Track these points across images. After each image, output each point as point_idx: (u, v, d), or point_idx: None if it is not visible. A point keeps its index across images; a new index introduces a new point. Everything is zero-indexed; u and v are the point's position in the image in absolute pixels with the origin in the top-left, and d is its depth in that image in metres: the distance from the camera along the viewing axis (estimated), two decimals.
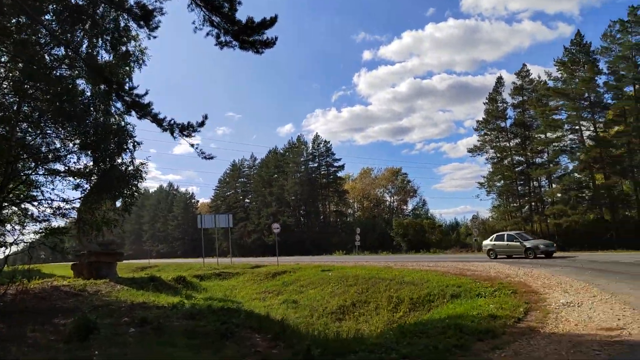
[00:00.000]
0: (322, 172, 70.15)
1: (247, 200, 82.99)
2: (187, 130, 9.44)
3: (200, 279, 24.18)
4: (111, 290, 17.51)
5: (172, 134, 9.53)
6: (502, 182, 44.27)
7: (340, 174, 71.05)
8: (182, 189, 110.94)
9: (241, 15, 8.60)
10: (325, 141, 70.00)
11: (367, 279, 17.34)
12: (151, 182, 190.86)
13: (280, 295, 18.90)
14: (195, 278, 22.96)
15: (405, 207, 72.81)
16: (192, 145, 9.88)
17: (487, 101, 45.20)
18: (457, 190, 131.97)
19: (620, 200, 37.69)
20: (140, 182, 14.50)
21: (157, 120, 9.54)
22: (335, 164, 69.32)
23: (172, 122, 9.50)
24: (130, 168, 13.91)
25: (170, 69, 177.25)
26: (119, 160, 14.29)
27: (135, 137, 13.82)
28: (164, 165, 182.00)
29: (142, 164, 14.08)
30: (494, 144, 45.25)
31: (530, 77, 43.66)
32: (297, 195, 69.02)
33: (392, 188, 73.84)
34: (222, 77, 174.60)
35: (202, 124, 9.39)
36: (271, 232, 69.85)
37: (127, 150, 13.69)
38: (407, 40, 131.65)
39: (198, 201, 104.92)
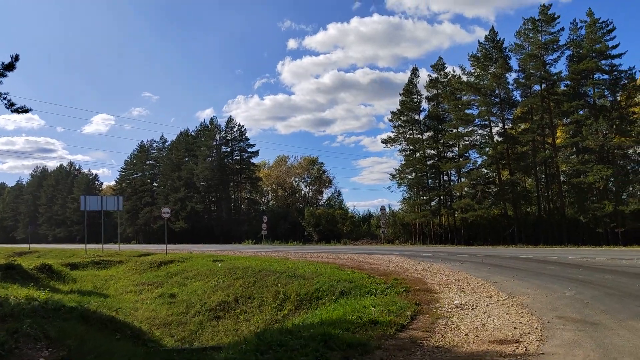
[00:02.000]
0: (235, 158, 67.46)
1: (155, 184, 78.41)
2: None
3: (75, 267, 21.32)
4: None
5: None
6: (413, 174, 44.26)
7: (254, 160, 68.78)
8: (85, 170, 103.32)
9: None
10: (239, 125, 67.35)
11: (257, 272, 15.59)
12: (54, 161, 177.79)
13: (160, 287, 16.69)
14: (66, 267, 20.12)
15: (320, 198, 72.03)
16: None
17: (402, 92, 44.89)
18: (375, 183, 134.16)
19: (522, 196, 38.76)
20: None
21: None
22: (250, 150, 66.93)
23: None
24: None
25: (79, 42, 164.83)
26: None
27: None
28: (71, 144, 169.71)
29: None
30: (407, 136, 45.12)
31: (446, 71, 43.88)
32: (207, 181, 65.90)
33: (308, 177, 72.73)
34: (138, 56, 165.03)
35: (10, 67, 7.09)
36: (178, 218, 66.57)
37: None
38: (333, 32, 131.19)
39: (102, 183, 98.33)
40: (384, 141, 45.91)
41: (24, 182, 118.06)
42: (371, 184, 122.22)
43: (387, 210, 48.92)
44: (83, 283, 17.77)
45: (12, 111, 7.99)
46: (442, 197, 43.95)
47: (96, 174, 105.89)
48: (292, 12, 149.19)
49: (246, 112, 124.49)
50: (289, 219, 58.28)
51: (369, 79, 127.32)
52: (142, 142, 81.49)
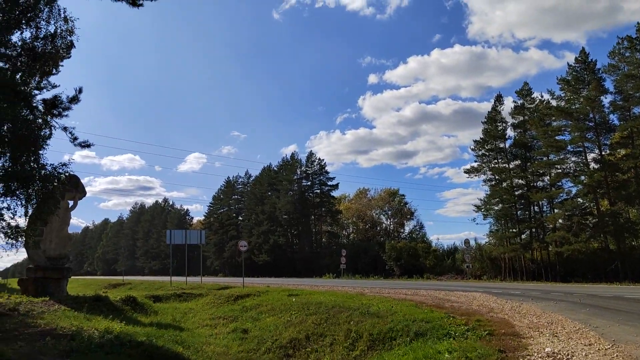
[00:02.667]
0: (316, 191, 67.92)
1: (240, 218, 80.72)
2: (57, 108, 7.36)
3: (158, 299, 21.91)
4: (45, 310, 15.35)
5: (32, 112, 7.44)
6: (500, 205, 41.81)
7: (334, 193, 68.85)
8: (177, 206, 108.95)
9: None
10: (319, 159, 67.99)
11: (330, 308, 15.01)
12: (152, 198, 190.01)
13: (234, 322, 16.59)
14: (149, 299, 20.66)
15: (401, 230, 70.28)
16: (64, 129, 7.79)
17: (485, 120, 43.06)
18: (461, 215, 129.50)
19: (626, 228, 35.10)
20: (56, 184, 12.36)
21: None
22: (329, 183, 67.13)
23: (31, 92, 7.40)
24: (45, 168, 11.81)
25: (174, 86, 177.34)
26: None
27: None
28: (168, 181, 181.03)
29: (62, 165, 11.95)
30: (492, 165, 42.96)
31: (532, 97, 41.60)
32: (288, 214, 66.70)
33: (389, 210, 71.50)
34: (226, 97, 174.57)
35: (75, 99, 7.32)
36: (261, 251, 67.63)
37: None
38: (413, 65, 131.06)
39: (192, 218, 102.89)
40: (467, 171, 44.08)
41: (125, 218, 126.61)
42: (456, 216, 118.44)
43: (473, 243, 46.57)
44: (164, 315, 18.08)
45: (75, 145, 8.29)
46: (533, 230, 41.00)
47: (187, 209, 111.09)
48: (372, 48, 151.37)
49: (328, 147, 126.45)
50: (369, 253, 57.20)
51: (452, 109, 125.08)
52: (228, 177, 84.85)
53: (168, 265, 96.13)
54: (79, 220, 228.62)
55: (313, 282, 33.84)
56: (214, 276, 73.71)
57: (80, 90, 7.45)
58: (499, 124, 42.50)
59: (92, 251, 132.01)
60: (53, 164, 11.72)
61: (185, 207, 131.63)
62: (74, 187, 20.60)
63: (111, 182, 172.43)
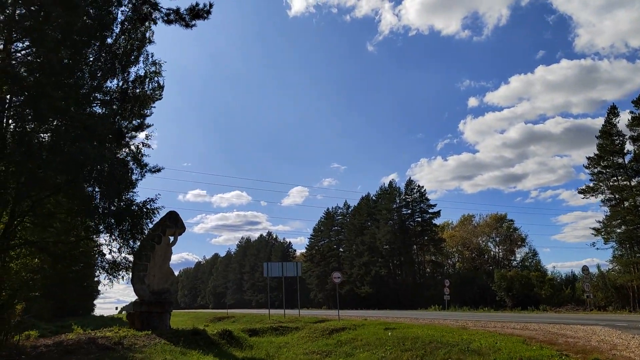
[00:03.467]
0: (417, 220, 65.93)
1: (341, 250, 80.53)
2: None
3: (255, 333, 21.92)
4: (147, 344, 15.94)
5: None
6: (623, 227, 37.42)
7: (437, 221, 66.33)
8: (281, 239, 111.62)
9: None
10: (418, 186, 66.16)
11: (427, 343, 13.91)
12: (259, 232, 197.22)
13: (327, 357, 15.95)
14: (245, 333, 20.71)
15: (512, 258, 65.65)
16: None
17: (599, 135, 39.27)
18: (581, 241, 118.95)
19: None
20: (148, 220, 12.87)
21: None
22: (430, 211, 64.86)
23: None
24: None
25: (274, 122, 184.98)
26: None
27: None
28: (273, 215, 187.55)
29: (150, 200, 12.46)
30: (611, 183, 38.82)
31: None
32: (389, 244, 65.24)
33: (497, 236, 67.36)
34: (325, 130, 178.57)
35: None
36: (363, 283, 66.53)
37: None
38: (516, 85, 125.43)
39: (295, 250, 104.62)
40: (582, 191, 40.17)
41: (232, 253, 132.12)
42: (576, 242, 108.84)
43: (595, 270, 42.01)
44: (258, 350, 17.94)
45: (146, 171, 8.46)
46: None
47: (290, 242, 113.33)
48: (471, 71, 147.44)
49: (430, 174, 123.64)
50: (477, 283, 53.97)
51: (562, 127, 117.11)
52: (328, 209, 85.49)
53: (273, 299, 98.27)
54: (193, 255, 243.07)
55: (415, 314, 32.31)
56: (318, 309, 73.85)
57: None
58: (615, 138, 38.50)
59: (204, 285, 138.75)
60: (141, 200, 12.28)
61: (288, 239, 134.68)
62: (173, 223, 21.49)
63: (221, 218, 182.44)
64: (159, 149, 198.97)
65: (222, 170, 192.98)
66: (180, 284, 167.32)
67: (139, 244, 13.14)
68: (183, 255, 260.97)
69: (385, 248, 66.19)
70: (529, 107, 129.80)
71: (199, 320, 40.80)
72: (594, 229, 39.33)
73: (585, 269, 35.54)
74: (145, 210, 12.26)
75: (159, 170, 11.21)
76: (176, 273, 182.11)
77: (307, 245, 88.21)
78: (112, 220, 11.22)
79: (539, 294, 44.70)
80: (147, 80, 13.43)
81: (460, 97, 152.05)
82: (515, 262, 63.78)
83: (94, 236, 12.10)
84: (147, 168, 12.26)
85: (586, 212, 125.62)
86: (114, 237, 12.31)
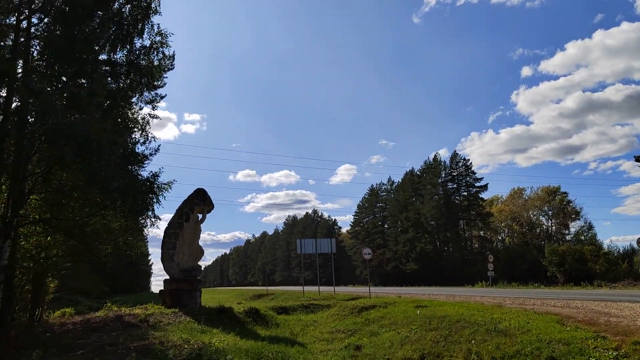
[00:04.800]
0: (463, 194, 63.83)
1: (385, 226, 79.48)
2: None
3: (284, 311, 21.59)
4: (172, 322, 15.91)
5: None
6: None
7: (484, 195, 64.04)
8: (326, 216, 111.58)
9: None
10: (464, 159, 63.90)
11: (454, 322, 13.00)
12: (309, 211, 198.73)
13: (352, 336, 15.33)
14: (274, 311, 20.39)
15: (565, 232, 62.66)
16: None
17: None
18: None
19: None
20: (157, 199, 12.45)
21: None
22: (477, 184, 62.60)
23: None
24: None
25: (322, 101, 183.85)
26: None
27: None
28: (322, 194, 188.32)
29: (154, 175, 12.01)
30: None
31: None
32: (435, 220, 63.61)
33: (549, 210, 64.38)
34: (373, 106, 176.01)
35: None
36: (409, 259, 65.38)
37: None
38: (572, 52, 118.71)
39: (340, 227, 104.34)
40: (638, 159, 37.20)
41: (280, 231, 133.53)
42: (638, 214, 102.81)
43: None
44: (284, 328, 17.57)
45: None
46: None
47: (335, 220, 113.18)
48: (524, 39, 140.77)
49: (481, 147, 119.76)
50: (526, 258, 51.81)
51: (623, 95, 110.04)
52: (372, 186, 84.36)
53: (320, 275, 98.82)
54: (245, 234, 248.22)
55: (457, 291, 31.15)
56: (363, 285, 73.37)
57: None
58: None
59: (254, 263, 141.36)
60: (146, 176, 11.88)
61: (333, 217, 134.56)
62: (201, 201, 21.30)
63: (271, 197, 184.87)
64: (208, 131, 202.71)
65: (271, 149, 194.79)
66: (231, 262, 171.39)
67: (149, 221, 12.72)
68: (235, 234, 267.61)
69: (430, 224, 64.68)
70: (587, 74, 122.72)
71: (241, 297, 41.19)
72: None
73: (639, 241, 32.94)
74: (150, 185, 11.79)
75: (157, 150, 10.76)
76: (227, 251, 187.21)
77: (352, 222, 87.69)
78: (117, 196, 10.81)
79: (593, 268, 42.25)
80: (152, 50, 12.92)
81: (512, 67, 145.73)
82: (569, 236, 60.84)
83: (102, 212, 11.78)
84: (154, 142, 11.75)
85: None
86: (121, 214, 11.96)
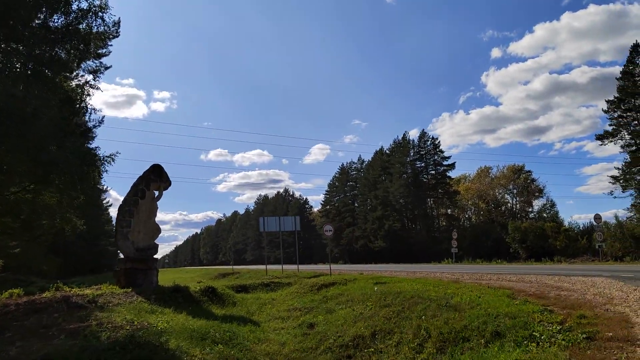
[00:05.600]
0: (431, 172, 64.27)
1: (356, 205, 79.67)
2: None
3: (244, 289, 21.20)
4: (121, 302, 15.19)
5: None
6: None
7: (451, 173, 64.62)
8: (297, 194, 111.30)
9: None
10: (432, 138, 64.24)
11: (408, 298, 12.84)
12: (276, 190, 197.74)
13: (308, 313, 15.07)
14: (231, 289, 19.97)
15: (529, 210, 63.89)
16: None
17: (620, 76, 36.59)
18: (605, 192, 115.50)
19: None
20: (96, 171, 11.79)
21: None
22: (445, 163, 63.08)
23: None
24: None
25: (294, 80, 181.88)
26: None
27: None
28: (295, 172, 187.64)
29: (89, 150, 11.34)
30: (632, 128, 36.43)
31: None
32: (403, 198, 63.96)
33: (514, 188, 65.43)
34: (345, 86, 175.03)
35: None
36: (377, 237, 65.79)
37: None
38: (540, 34, 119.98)
39: (312, 207, 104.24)
40: (600, 137, 37.90)
41: (251, 210, 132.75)
42: (599, 193, 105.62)
43: (613, 220, 40.14)
44: (240, 307, 17.19)
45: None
46: None
47: (306, 199, 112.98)
48: (493, 20, 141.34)
49: (452, 128, 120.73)
50: (491, 235, 52.68)
51: (589, 77, 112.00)
52: (342, 164, 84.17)
53: (291, 254, 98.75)
54: (217, 214, 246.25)
55: (421, 267, 31.32)
56: (334, 263, 73.66)
57: None
58: (637, 79, 35.85)
59: (225, 242, 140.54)
60: (82, 151, 11.18)
61: (304, 196, 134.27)
62: (157, 177, 20.45)
63: (243, 177, 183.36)
64: (179, 109, 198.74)
65: (243, 129, 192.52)
66: (202, 241, 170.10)
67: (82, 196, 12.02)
68: (207, 214, 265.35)
69: (399, 202, 65.03)
70: (555, 56, 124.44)
71: (207, 276, 40.65)
72: (612, 176, 37.35)
73: (597, 217, 33.59)
74: (90, 158, 11.12)
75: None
76: (198, 231, 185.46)
77: (323, 201, 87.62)
78: (49, 169, 10.12)
79: (553, 245, 43.23)
80: (91, 15, 12.07)
81: (483, 49, 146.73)
82: (532, 214, 62.10)
83: (33, 186, 11.04)
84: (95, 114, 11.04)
85: (612, 162, 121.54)
86: (56, 188, 11.25)
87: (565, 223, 50.37)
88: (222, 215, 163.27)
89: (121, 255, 19.59)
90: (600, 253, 34.05)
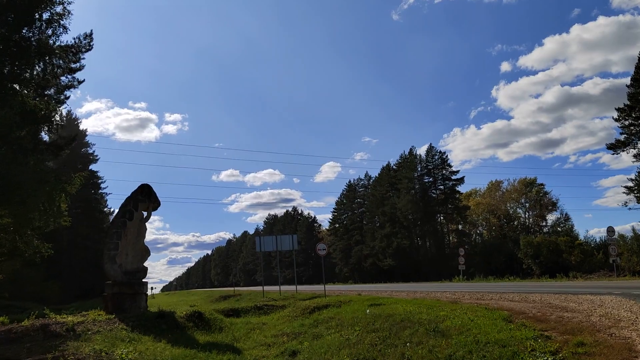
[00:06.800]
0: (439, 187, 62.98)
1: (364, 222, 78.38)
2: None
3: (236, 313, 20.24)
4: (101, 330, 14.37)
5: None
6: None
7: (461, 188, 63.24)
8: (306, 213, 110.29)
9: None
10: (440, 152, 63.08)
11: (398, 322, 11.82)
12: (289, 209, 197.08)
13: (295, 339, 14.05)
14: (220, 313, 18.99)
15: (542, 224, 62.13)
16: None
17: (631, 82, 35.40)
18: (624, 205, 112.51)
19: None
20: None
21: None
22: (453, 177, 61.79)
23: None
24: None
25: (304, 99, 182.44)
26: None
27: None
28: (306, 191, 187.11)
29: None
30: None
31: None
32: (412, 214, 62.63)
33: (526, 202, 63.83)
34: (355, 104, 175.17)
35: None
36: (385, 255, 64.32)
37: None
38: (550, 46, 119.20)
39: (320, 225, 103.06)
40: (611, 147, 36.54)
41: (261, 230, 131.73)
42: (617, 206, 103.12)
43: (630, 233, 38.52)
44: (226, 333, 16.20)
45: None
46: None
47: (314, 217, 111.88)
48: (502, 35, 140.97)
49: (463, 143, 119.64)
50: (503, 251, 51.09)
51: (601, 88, 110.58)
52: (350, 181, 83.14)
53: (300, 274, 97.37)
54: (230, 234, 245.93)
55: (428, 286, 30.10)
56: (343, 283, 72.23)
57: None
58: None
59: (235, 263, 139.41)
60: None
61: (313, 214, 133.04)
62: (146, 197, 19.74)
63: (255, 197, 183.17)
64: (190, 131, 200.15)
65: (254, 149, 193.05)
66: (213, 263, 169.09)
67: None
68: (220, 235, 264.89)
69: (407, 218, 63.68)
70: (565, 68, 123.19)
71: (209, 298, 39.68)
72: (626, 187, 35.85)
73: (610, 230, 32.07)
74: (46, 177, 10.36)
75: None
76: (209, 252, 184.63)
77: (330, 219, 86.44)
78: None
79: (568, 260, 41.62)
80: (52, 24, 11.48)
81: (492, 63, 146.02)
82: (546, 228, 60.36)
83: None
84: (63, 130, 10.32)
85: (629, 174, 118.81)
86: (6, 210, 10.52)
87: (581, 237, 48.74)
88: (232, 235, 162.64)
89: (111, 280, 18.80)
90: (615, 268, 32.48)
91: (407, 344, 9.65)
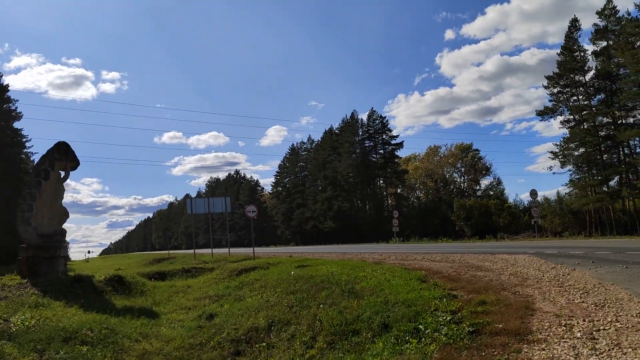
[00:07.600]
0: (379, 152, 63.62)
1: (306, 185, 78.48)
2: None
3: (162, 276, 19.65)
4: (10, 296, 13.51)
5: None
6: (581, 150, 35.46)
7: (400, 153, 64.17)
8: (248, 176, 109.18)
9: None
10: (380, 116, 63.40)
11: (318, 283, 11.71)
12: (228, 172, 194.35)
13: (217, 302, 13.75)
14: (144, 277, 18.37)
15: (477, 188, 64.38)
16: None
17: (559, 52, 36.45)
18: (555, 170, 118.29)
19: None
20: None
21: None
22: (393, 142, 62.52)
23: None
24: None
25: (250, 62, 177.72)
26: None
27: None
28: (252, 154, 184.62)
29: None
30: (570, 103, 36.47)
31: (618, 16, 34.35)
32: (352, 178, 63.14)
33: (462, 167, 65.75)
34: (301, 68, 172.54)
35: None
36: (326, 218, 64.90)
37: None
38: (492, 16, 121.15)
39: (263, 188, 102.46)
40: (540, 113, 37.78)
41: (203, 192, 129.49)
42: (546, 171, 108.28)
43: (554, 196, 40.56)
44: (147, 297, 15.67)
45: None
46: (622, 175, 34.43)
47: (257, 180, 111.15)
48: (447, 2, 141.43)
49: (407, 109, 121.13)
50: (438, 214, 52.65)
51: (538, 59, 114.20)
52: (292, 145, 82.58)
53: (243, 237, 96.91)
54: (173, 197, 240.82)
55: (362, 248, 30.51)
56: (285, 245, 72.52)
57: None
58: (576, 54, 35.74)
59: (177, 226, 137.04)
60: None
61: (255, 177, 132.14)
62: (63, 156, 18.46)
63: (199, 159, 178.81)
64: (130, 90, 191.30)
65: (198, 110, 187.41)
66: (154, 226, 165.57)
67: None
68: (163, 198, 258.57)
69: (348, 182, 64.20)
70: (505, 38, 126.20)
71: (142, 262, 38.75)
72: (551, 152, 37.40)
73: (533, 192, 33.56)
74: None
75: None
76: (151, 215, 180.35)
77: (273, 183, 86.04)
78: None
79: (497, 222, 43.43)
80: None
81: (436, 30, 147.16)
82: (479, 192, 62.60)
83: None
84: None
85: (559, 141, 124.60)
86: None
87: (510, 200, 50.86)
88: (174, 198, 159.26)
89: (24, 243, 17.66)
90: (537, 229, 34.08)
91: (321, 305, 9.53)
